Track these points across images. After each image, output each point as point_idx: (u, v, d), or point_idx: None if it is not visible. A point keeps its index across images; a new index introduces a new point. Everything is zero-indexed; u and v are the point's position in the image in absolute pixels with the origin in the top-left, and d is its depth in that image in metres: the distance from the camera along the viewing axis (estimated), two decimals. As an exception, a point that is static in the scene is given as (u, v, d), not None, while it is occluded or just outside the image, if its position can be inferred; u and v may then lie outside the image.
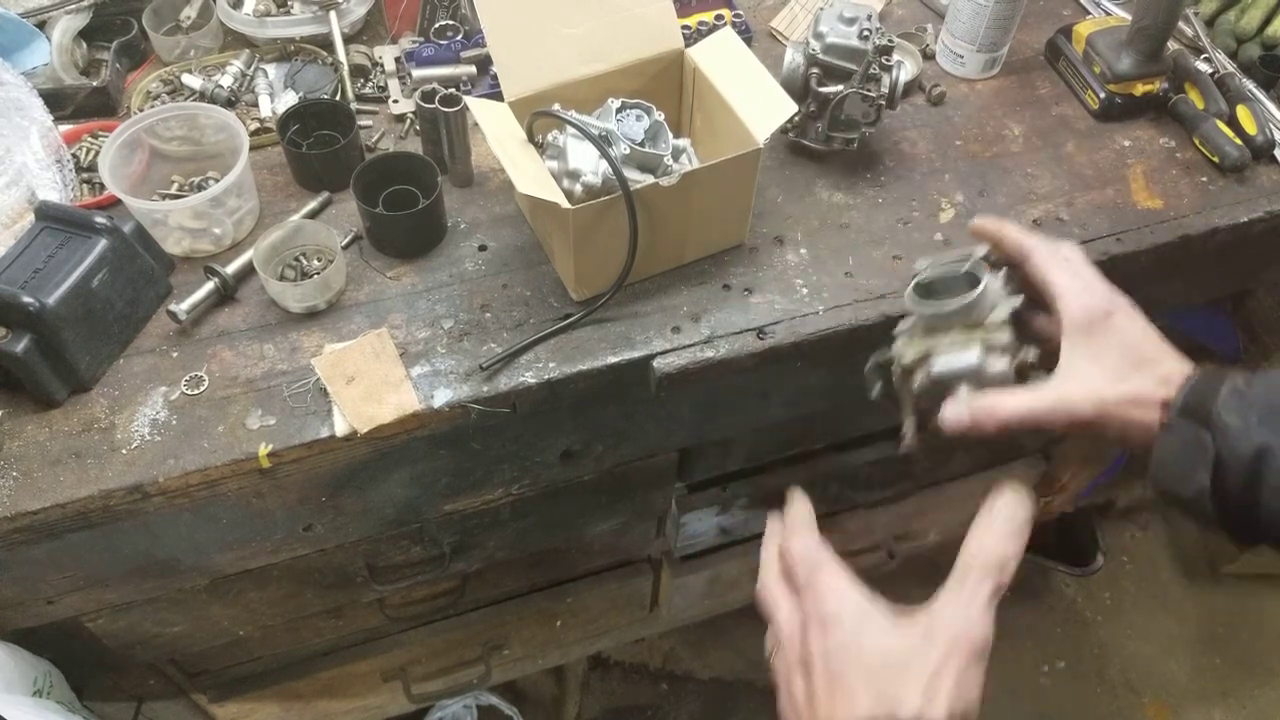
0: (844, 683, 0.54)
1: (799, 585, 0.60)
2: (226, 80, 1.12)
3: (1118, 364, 0.66)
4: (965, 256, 0.72)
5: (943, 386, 0.69)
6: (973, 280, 0.71)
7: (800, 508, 0.64)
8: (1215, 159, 1.11)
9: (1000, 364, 0.68)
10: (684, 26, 1.16)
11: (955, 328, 0.70)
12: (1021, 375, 0.69)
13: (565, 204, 0.84)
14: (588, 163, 0.87)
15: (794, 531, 0.62)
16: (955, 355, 0.69)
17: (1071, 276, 0.70)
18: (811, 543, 0.61)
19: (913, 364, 0.72)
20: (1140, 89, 1.15)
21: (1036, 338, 0.72)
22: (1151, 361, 0.67)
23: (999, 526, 0.58)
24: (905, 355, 0.72)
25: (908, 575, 2.10)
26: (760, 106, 0.92)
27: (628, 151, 0.88)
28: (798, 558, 0.61)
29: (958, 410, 0.68)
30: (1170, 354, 0.67)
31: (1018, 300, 0.70)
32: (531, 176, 0.84)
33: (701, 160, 0.96)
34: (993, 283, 0.71)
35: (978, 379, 0.68)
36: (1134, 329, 0.68)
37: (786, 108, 0.92)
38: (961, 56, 1.19)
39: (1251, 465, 0.60)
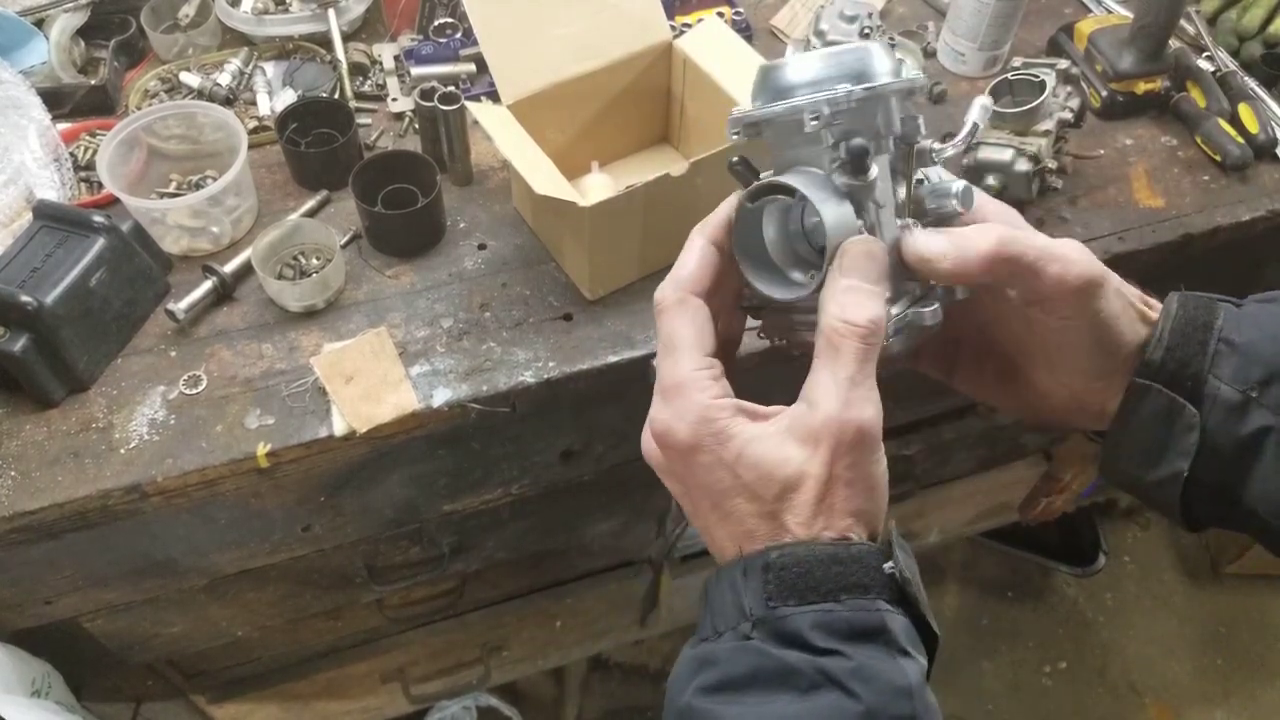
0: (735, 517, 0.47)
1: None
2: (225, 78, 1.12)
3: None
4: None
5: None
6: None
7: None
8: (1217, 157, 1.11)
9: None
10: (685, 25, 1.16)
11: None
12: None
13: (582, 203, 0.84)
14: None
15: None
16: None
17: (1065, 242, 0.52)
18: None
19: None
20: (1142, 87, 1.14)
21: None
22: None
23: (854, 280, 0.46)
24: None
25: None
26: None
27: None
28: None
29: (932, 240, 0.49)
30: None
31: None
32: (547, 178, 0.84)
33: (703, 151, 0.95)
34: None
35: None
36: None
37: None
38: (963, 54, 1.19)
39: (1245, 448, 0.48)
